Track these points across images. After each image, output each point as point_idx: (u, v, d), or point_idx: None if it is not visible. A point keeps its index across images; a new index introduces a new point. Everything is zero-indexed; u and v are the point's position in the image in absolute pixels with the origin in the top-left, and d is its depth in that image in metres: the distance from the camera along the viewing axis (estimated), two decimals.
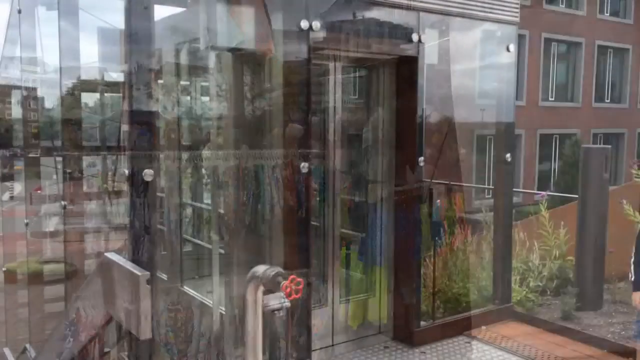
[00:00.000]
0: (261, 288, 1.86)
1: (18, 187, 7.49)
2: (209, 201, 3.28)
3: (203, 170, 3.52)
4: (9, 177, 8.31)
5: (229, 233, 2.94)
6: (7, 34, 5.39)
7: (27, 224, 4.32)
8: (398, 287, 3.55)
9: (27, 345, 4.24)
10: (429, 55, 3.47)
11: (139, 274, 1.98)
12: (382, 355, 3.35)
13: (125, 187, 2.79)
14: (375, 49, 3.34)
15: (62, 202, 3.38)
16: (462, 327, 3.69)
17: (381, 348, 3.45)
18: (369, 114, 3.67)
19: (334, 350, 3.40)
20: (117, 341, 3.20)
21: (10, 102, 6.82)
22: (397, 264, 3.54)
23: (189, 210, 3.63)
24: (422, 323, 3.54)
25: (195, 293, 3.38)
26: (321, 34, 2.97)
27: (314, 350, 3.00)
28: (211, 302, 3.07)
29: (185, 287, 3.58)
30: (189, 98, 3.78)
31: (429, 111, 3.53)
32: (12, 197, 8.38)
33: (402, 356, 3.33)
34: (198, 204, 3.57)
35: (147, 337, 1.96)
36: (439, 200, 3.46)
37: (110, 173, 3.40)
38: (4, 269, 5.23)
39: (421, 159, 3.41)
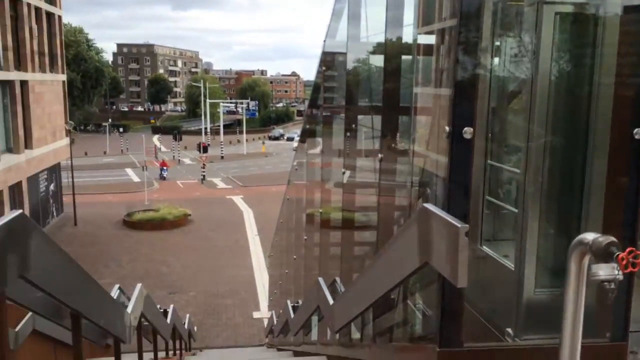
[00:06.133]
0: (588, 256, 1.77)
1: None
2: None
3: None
4: None
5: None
6: (335, 7, 6.05)
7: (343, 173, 4.94)
8: None
9: (337, 279, 4.86)
10: None
11: (459, 226, 2.07)
12: None
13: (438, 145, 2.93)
14: None
15: (379, 155, 3.73)
16: None
17: None
18: None
19: None
20: (421, 289, 3.45)
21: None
22: None
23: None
24: None
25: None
26: None
27: (631, 332, 2.74)
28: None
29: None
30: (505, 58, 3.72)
31: None
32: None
33: None
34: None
35: (464, 285, 2.06)
36: None
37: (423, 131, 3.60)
38: (320, 211, 6.08)
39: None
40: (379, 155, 3.78)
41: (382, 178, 3.88)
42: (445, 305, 2.50)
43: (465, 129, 2.50)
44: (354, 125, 5.27)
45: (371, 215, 4.33)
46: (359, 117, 5.07)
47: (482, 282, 3.57)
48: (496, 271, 3.38)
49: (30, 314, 4.94)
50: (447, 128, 2.53)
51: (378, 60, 4.36)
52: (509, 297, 2.96)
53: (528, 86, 3.05)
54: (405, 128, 4.13)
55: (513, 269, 3.00)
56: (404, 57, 4.01)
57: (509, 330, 2.85)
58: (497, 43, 4.03)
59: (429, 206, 2.40)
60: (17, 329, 4.72)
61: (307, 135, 9.43)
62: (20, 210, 2.14)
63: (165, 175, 49.55)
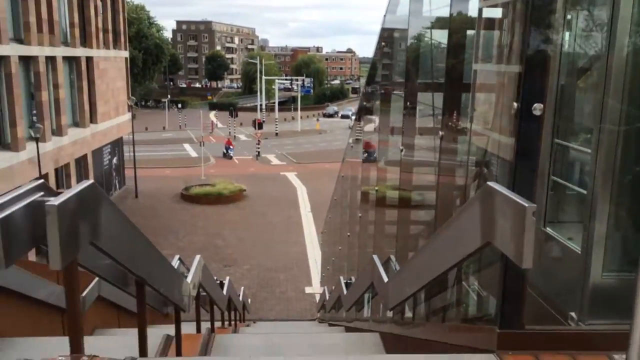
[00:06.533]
0: None
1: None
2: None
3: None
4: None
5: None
6: None
7: (401, 151, 4.88)
8: None
9: (392, 257, 4.84)
10: None
11: (526, 205, 2.00)
12: None
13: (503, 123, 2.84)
14: None
15: (440, 133, 3.65)
16: None
17: None
18: None
19: None
20: (478, 270, 3.39)
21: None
22: None
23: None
24: None
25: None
26: None
27: None
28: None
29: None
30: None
31: None
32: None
33: None
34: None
35: (529, 266, 2.00)
36: None
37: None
38: (376, 188, 6.05)
39: None
40: (440, 133, 3.70)
41: (441, 157, 3.81)
42: (507, 286, 2.44)
43: (535, 105, 2.40)
44: (412, 103, 5.18)
45: (427, 194, 4.27)
46: (419, 94, 4.97)
47: (544, 264, 3.47)
48: (560, 253, 3.27)
49: (95, 280, 5.19)
50: (515, 104, 2.45)
51: (441, 36, 4.25)
52: (574, 281, 2.86)
53: (601, 62, 2.89)
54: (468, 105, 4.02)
55: (579, 252, 2.89)
56: (468, 32, 3.88)
57: (573, 314, 2.77)
58: (569, 16, 3.84)
59: (494, 185, 2.33)
60: (84, 294, 4.96)
61: (363, 112, 9.35)
62: (92, 180, 2.22)
63: (231, 154, 49.75)
